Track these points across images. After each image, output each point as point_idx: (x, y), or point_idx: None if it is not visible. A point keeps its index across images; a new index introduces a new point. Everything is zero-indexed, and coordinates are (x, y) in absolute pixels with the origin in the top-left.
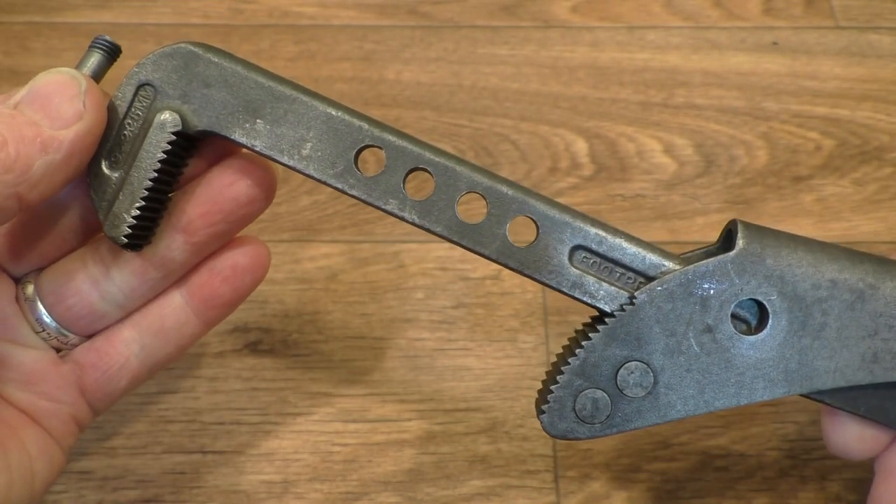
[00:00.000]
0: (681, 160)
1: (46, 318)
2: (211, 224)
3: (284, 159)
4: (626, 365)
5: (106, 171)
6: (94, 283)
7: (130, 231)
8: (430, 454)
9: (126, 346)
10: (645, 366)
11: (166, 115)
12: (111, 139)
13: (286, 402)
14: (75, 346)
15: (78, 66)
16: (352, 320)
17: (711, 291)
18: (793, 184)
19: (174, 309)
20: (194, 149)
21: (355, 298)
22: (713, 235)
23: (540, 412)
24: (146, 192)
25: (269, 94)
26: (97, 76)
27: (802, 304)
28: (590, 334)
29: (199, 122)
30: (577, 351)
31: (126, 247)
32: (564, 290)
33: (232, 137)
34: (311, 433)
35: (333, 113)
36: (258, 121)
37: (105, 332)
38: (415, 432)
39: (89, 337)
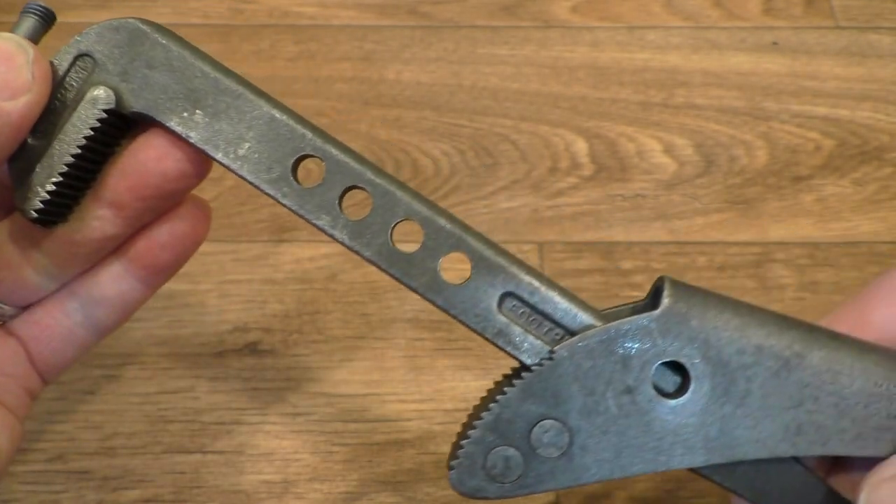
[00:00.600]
0: (681, 160)
1: None
2: (139, 199)
3: (219, 156)
4: (542, 423)
5: (28, 138)
6: (24, 254)
7: (42, 206)
8: (430, 454)
9: (67, 317)
10: (561, 425)
11: (100, 91)
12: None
13: (286, 402)
14: (13, 317)
15: (12, 31)
16: (352, 320)
17: (633, 351)
18: (793, 184)
19: (114, 277)
20: (127, 130)
21: (355, 298)
22: (713, 235)
23: (449, 468)
24: (65, 168)
25: (213, 85)
26: (33, 42)
27: (726, 369)
28: (506, 388)
29: (135, 104)
30: (492, 405)
31: (35, 221)
32: (488, 336)
33: (167, 125)
34: (311, 433)
35: (278, 115)
36: (198, 111)
37: (43, 302)
38: (415, 432)
39: (26, 308)
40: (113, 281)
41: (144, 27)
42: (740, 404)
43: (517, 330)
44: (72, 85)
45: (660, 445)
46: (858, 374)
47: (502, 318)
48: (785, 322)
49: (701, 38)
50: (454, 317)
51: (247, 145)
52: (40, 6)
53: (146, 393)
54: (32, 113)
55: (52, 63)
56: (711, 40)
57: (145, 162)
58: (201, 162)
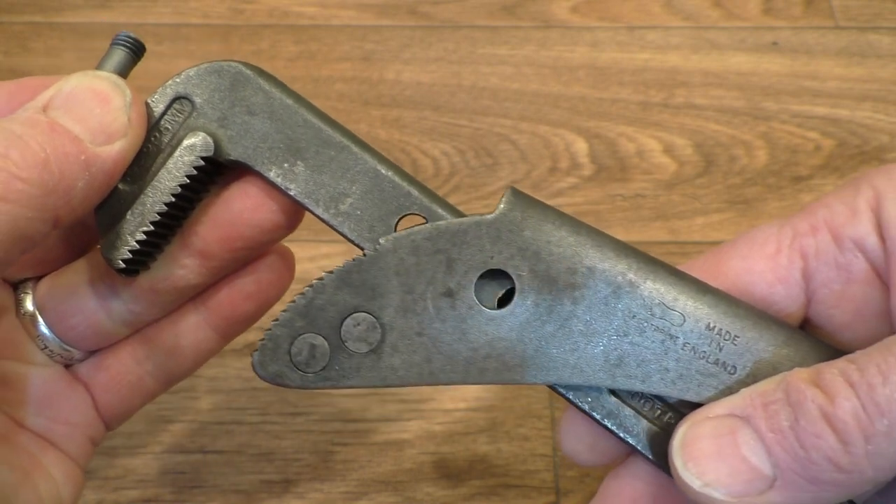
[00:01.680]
0: (681, 160)
1: (48, 335)
2: (230, 250)
3: (319, 211)
4: (354, 315)
5: (118, 183)
6: (100, 301)
7: (130, 256)
8: (430, 454)
9: (138, 365)
10: (374, 319)
11: (199, 137)
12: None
13: (286, 402)
14: (81, 360)
15: (100, 64)
16: None
17: (460, 253)
18: (792, 184)
19: (190, 327)
20: (219, 176)
21: None
22: (713, 235)
23: (253, 350)
24: (157, 217)
25: (316, 135)
26: (121, 75)
27: (553, 286)
28: (324, 274)
29: (233, 151)
30: (306, 290)
31: (121, 272)
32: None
33: (266, 175)
34: (311, 433)
35: (383, 171)
36: (299, 163)
37: (114, 348)
38: (415, 432)
39: (94, 352)
40: (188, 331)
41: (248, 71)
42: (562, 325)
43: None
44: (167, 128)
45: (473, 357)
46: (691, 314)
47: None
48: (625, 250)
49: (701, 38)
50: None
51: (349, 201)
52: (131, 37)
53: None
54: (127, 158)
55: (147, 104)
56: (711, 40)
57: (240, 213)
58: (295, 213)
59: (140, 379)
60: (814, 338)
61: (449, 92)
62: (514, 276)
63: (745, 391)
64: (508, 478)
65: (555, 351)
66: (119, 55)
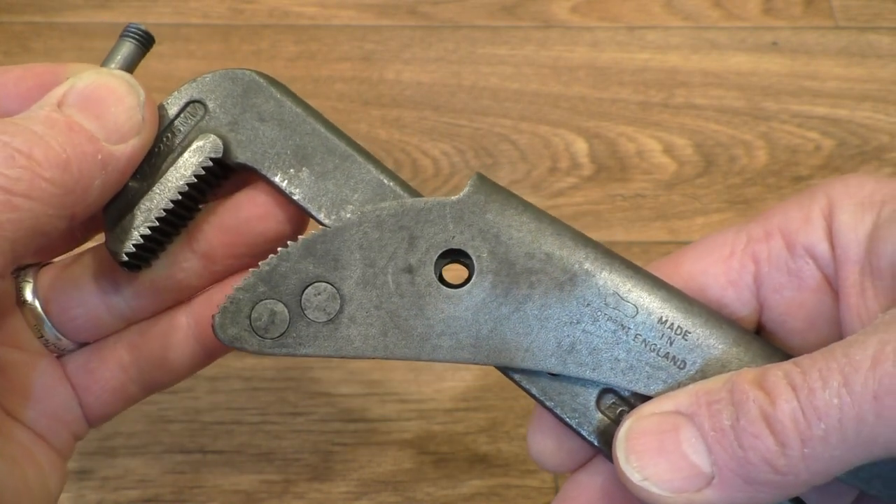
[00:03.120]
0: (681, 160)
1: (47, 324)
2: (234, 256)
3: (321, 216)
4: (315, 284)
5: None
6: (102, 295)
7: (134, 251)
8: (430, 454)
9: (123, 372)
10: (335, 290)
11: (209, 139)
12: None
13: (286, 402)
14: (71, 351)
15: (109, 56)
16: None
17: (423, 231)
18: (792, 184)
19: (178, 340)
20: (226, 179)
21: None
22: None
23: (213, 314)
24: (163, 213)
25: (323, 144)
26: (130, 68)
27: (511, 269)
28: (289, 242)
29: (241, 155)
30: (271, 256)
31: (123, 265)
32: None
33: (272, 179)
34: (311, 433)
35: (385, 182)
36: (304, 169)
37: (102, 353)
38: (415, 432)
39: (82, 344)
40: (176, 344)
41: (261, 80)
42: (517, 309)
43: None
44: (179, 130)
45: (428, 333)
46: (644, 307)
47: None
48: (584, 240)
49: (701, 38)
50: None
51: (350, 208)
52: (140, 29)
53: None
54: (138, 157)
55: (162, 106)
56: (711, 40)
57: (247, 221)
58: (300, 222)
59: (123, 385)
60: (764, 340)
61: (449, 92)
62: (473, 257)
63: (691, 388)
64: (508, 478)
65: (509, 333)
66: (128, 48)
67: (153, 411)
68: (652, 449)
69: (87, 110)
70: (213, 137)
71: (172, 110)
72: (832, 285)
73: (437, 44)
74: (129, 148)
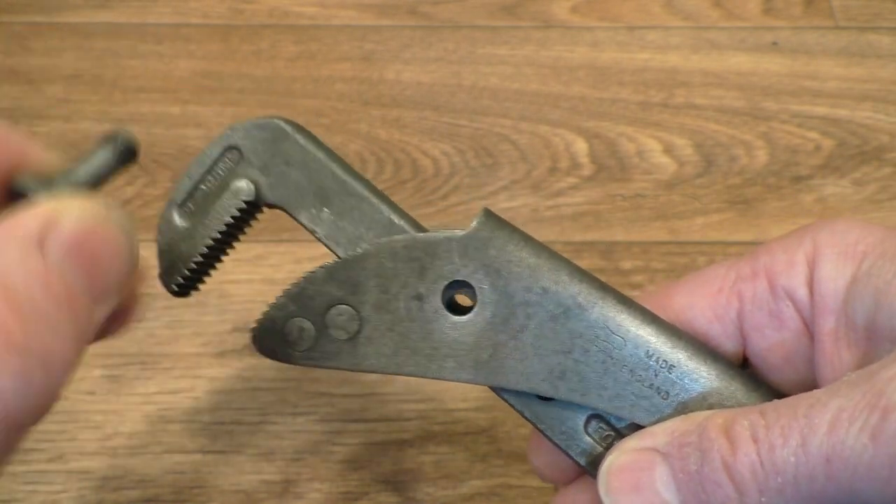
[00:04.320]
0: (681, 160)
1: None
2: None
3: (340, 252)
4: (338, 306)
5: (177, 219)
6: None
7: (183, 282)
8: (430, 454)
9: None
10: (354, 312)
11: (243, 184)
12: (190, 191)
13: (286, 402)
14: None
15: (86, 162)
16: None
17: (432, 263)
18: (793, 184)
19: None
20: (257, 216)
21: None
22: (713, 235)
23: (252, 327)
24: (206, 250)
25: (341, 187)
26: (101, 182)
27: (510, 301)
28: (316, 268)
29: (272, 197)
30: (300, 280)
31: (175, 294)
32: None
33: (298, 218)
34: (310, 433)
35: (396, 221)
36: (325, 209)
37: None
38: (415, 432)
39: None
40: None
41: (287, 127)
42: (514, 336)
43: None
44: (219, 174)
45: (434, 354)
46: (632, 340)
47: None
48: (579, 276)
49: (701, 38)
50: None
51: (365, 245)
52: (129, 143)
53: (146, 393)
54: (108, 314)
55: (204, 152)
56: (711, 40)
57: None
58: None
59: None
60: (747, 375)
61: (449, 92)
62: (476, 289)
63: (670, 425)
64: (508, 478)
65: (506, 358)
66: (108, 160)
67: (153, 411)
68: (629, 486)
69: (78, 260)
70: (246, 181)
71: (213, 156)
72: (810, 330)
73: (437, 44)
74: (109, 308)
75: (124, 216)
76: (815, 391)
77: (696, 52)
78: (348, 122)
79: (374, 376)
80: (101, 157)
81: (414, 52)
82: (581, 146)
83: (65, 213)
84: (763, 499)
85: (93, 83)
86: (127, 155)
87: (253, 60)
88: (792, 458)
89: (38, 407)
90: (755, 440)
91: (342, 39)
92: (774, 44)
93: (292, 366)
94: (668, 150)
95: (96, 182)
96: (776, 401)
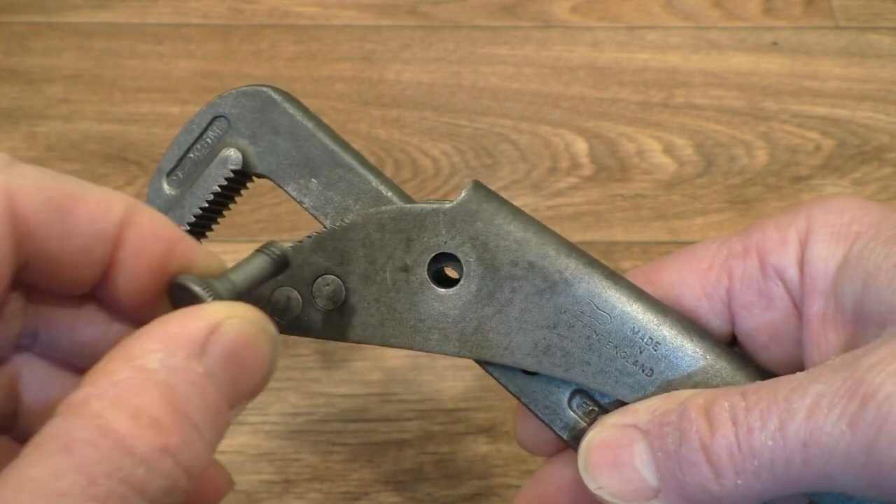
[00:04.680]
0: (681, 160)
1: None
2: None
3: (327, 223)
4: (325, 276)
5: (165, 187)
6: None
7: None
8: (430, 454)
9: None
10: (340, 282)
11: (231, 152)
12: (178, 159)
13: (286, 402)
14: None
15: (240, 267)
16: None
17: (419, 235)
18: (793, 184)
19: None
20: (247, 185)
21: None
22: (713, 235)
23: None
24: (194, 219)
25: (329, 157)
26: (254, 287)
27: (496, 275)
28: (303, 238)
29: (260, 166)
30: (288, 249)
31: None
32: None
33: (285, 188)
34: (311, 433)
35: (384, 192)
36: (313, 180)
37: None
38: (415, 432)
39: None
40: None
41: (275, 96)
42: (500, 310)
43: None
44: (207, 142)
45: (419, 326)
46: (618, 317)
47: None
48: (566, 251)
49: (701, 38)
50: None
51: (352, 216)
52: (283, 252)
53: None
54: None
55: (192, 121)
56: (711, 40)
57: None
58: None
59: None
60: (734, 353)
61: (449, 92)
62: (462, 262)
63: (651, 403)
64: (508, 478)
65: (491, 332)
66: (263, 266)
67: None
68: (608, 462)
69: (228, 372)
70: (234, 150)
71: (201, 125)
72: (799, 310)
73: (437, 44)
74: (234, 418)
75: (274, 328)
76: (797, 374)
77: (696, 52)
78: (348, 122)
79: (373, 376)
80: (258, 265)
81: (414, 52)
82: (581, 146)
83: (228, 320)
84: (739, 481)
85: (93, 83)
86: (281, 264)
87: (253, 60)
88: (770, 442)
89: None
90: (734, 422)
91: (342, 39)
92: (774, 44)
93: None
94: (668, 150)
95: (251, 287)
96: (759, 382)
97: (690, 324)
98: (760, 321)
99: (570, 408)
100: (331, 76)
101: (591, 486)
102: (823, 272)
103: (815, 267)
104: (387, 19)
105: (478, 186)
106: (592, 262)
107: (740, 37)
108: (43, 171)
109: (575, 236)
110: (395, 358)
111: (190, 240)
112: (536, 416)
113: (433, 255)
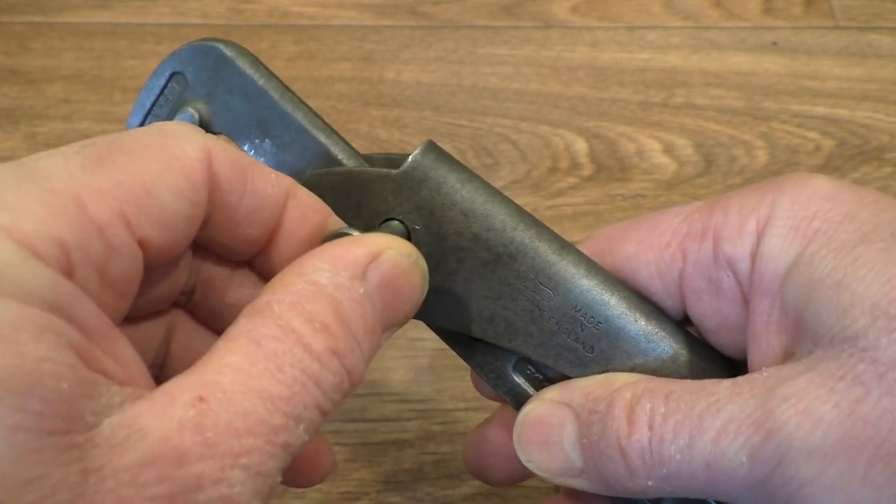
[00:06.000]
0: (681, 160)
1: None
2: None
3: None
4: None
5: None
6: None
7: None
8: (430, 454)
9: None
10: None
11: (188, 112)
12: (142, 118)
13: None
14: None
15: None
16: None
17: (368, 200)
18: None
19: None
20: None
21: None
22: None
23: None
24: None
25: (279, 117)
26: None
27: (442, 245)
28: None
29: (216, 126)
30: None
31: None
32: None
33: (242, 149)
34: None
35: (334, 153)
36: (267, 140)
37: None
38: (415, 432)
39: None
40: None
41: (227, 52)
42: (446, 279)
43: None
44: (168, 100)
45: None
46: (561, 293)
47: None
48: (513, 222)
49: (701, 38)
50: None
51: (305, 178)
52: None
53: None
54: None
55: (151, 79)
56: (711, 40)
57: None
58: None
59: None
60: (680, 335)
61: (449, 92)
62: (409, 228)
63: (587, 384)
64: None
65: (439, 299)
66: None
67: None
68: (539, 440)
69: (383, 297)
70: (190, 110)
71: (160, 83)
72: (747, 303)
73: (437, 44)
74: (384, 340)
75: (425, 264)
76: (724, 382)
77: (696, 52)
78: (348, 122)
79: (374, 375)
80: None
81: (414, 52)
82: (581, 146)
83: (387, 250)
84: (650, 482)
85: (93, 83)
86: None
87: None
88: (678, 456)
89: (329, 413)
90: (650, 428)
91: (342, 39)
92: (774, 44)
93: None
94: (668, 150)
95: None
96: (688, 383)
97: (639, 303)
98: (709, 307)
99: (514, 374)
100: (331, 76)
101: (523, 459)
102: (773, 271)
103: (766, 265)
104: (387, 19)
105: (428, 150)
106: (541, 236)
107: (740, 37)
108: (226, 140)
109: (575, 236)
110: (395, 358)
111: (337, 218)
112: (483, 378)
113: (383, 219)
